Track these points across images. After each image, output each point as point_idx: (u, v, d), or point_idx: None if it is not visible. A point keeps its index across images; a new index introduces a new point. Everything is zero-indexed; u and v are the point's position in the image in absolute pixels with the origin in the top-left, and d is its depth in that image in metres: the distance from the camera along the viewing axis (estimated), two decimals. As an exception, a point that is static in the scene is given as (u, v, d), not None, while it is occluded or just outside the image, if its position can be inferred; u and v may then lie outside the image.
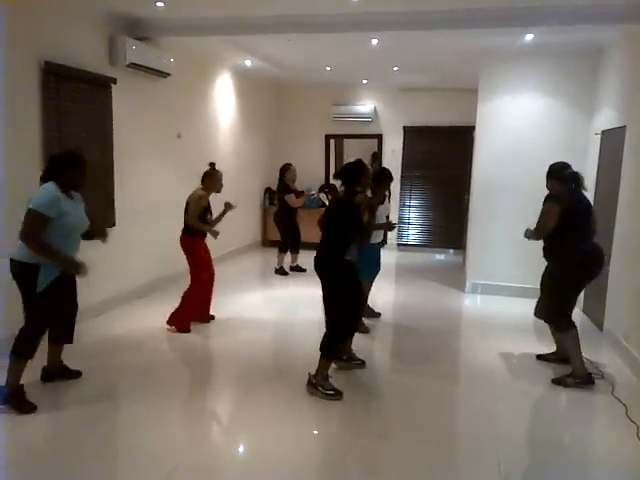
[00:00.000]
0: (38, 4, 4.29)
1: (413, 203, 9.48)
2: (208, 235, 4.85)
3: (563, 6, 4.52)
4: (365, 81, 8.94)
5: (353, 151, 9.36)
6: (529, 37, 5.34)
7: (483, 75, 6.38)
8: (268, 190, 9.38)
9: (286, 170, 7.28)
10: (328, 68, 7.68)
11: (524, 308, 5.12)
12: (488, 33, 5.32)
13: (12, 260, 3.33)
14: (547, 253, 4.06)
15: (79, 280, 3.63)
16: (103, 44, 5.07)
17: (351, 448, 3.10)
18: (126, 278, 5.61)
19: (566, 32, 5.16)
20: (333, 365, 3.85)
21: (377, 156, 9.40)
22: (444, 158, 9.16)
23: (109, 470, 2.88)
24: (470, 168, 7.29)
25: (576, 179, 3.92)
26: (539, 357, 4.42)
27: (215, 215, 4.93)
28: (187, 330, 4.83)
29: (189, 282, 4.91)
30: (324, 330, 3.71)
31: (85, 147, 4.56)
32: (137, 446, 3.04)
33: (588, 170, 5.57)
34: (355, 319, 3.83)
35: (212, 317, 5.18)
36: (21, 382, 3.35)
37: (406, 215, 9.50)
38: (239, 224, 7.98)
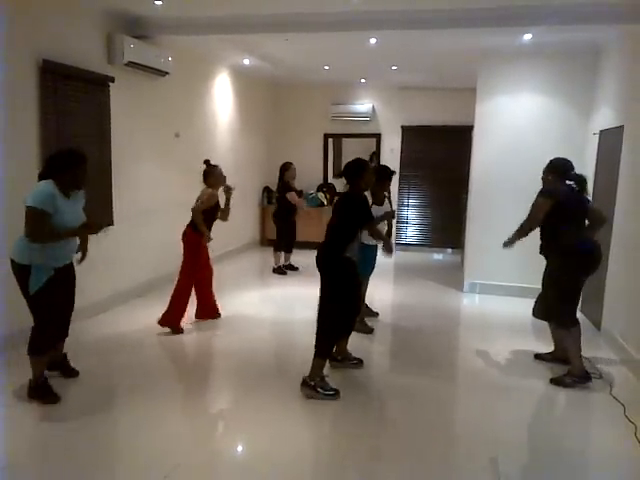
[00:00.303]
0: (36, 2, 4.27)
1: (411, 202, 9.48)
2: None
3: (561, 6, 4.53)
4: (363, 80, 8.93)
5: (351, 150, 9.35)
6: (527, 37, 5.35)
7: (481, 75, 6.38)
8: (266, 189, 9.37)
9: (286, 169, 7.27)
10: (326, 67, 7.67)
11: (522, 308, 5.13)
12: (487, 33, 5.33)
13: (11, 259, 3.33)
14: (544, 249, 4.07)
15: (79, 280, 3.64)
16: (101, 42, 5.05)
17: (349, 448, 3.10)
18: (124, 277, 5.60)
19: (564, 32, 5.17)
20: (328, 365, 3.84)
21: (375, 155, 9.40)
22: (442, 157, 9.18)
23: (107, 470, 2.87)
24: (468, 167, 7.29)
25: (580, 182, 3.93)
26: (537, 357, 4.43)
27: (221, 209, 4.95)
28: (178, 329, 4.79)
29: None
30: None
31: (83, 146, 4.51)
32: (134, 446, 3.04)
33: (586, 170, 5.56)
34: (351, 318, 3.83)
35: (219, 314, 5.22)
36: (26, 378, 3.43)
37: (404, 214, 9.50)
38: (237, 223, 7.96)
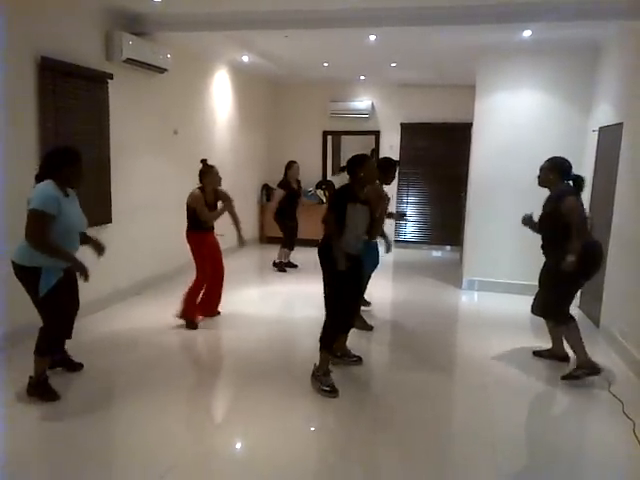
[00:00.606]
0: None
1: (410, 200, 9.48)
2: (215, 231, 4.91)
3: (561, 2, 4.51)
4: (363, 77, 8.92)
5: (350, 148, 9.35)
6: (527, 33, 5.34)
7: (481, 72, 6.37)
8: (265, 187, 9.36)
9: (289, 167, 7.27)
10: (326, 64, 7.65)
11: (520, 305, 5.14)
12: (486, 29, 5.32)
13: (13, 262, 3.31)
14: (548, 249, 4.05)
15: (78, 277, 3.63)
16: (100, 39, 5.04)
17: (348, 446, 3.10)
18: (123, 275, 5.59)
19: (564, 29, 5.16)
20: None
21: (375, 152, 9.39)
22: (441, 155, 9.17)
23: (107, 468, 2.87)
24: (467, 165, 7.28)
25: (579, 182, 3.95)
26: (535, 353, 4.44)
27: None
28: (193, 324, 4.85)
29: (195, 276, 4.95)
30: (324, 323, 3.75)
31: (81, 143, 4.53)
32: (134, 443, 3.04)
33: (585, 167, 5.58)
34: (348, 316, 3.83)
35: (218, 312, 5.23)
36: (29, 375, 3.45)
37: (403, 212, 9.50)
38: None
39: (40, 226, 3.15)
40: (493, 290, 6.41)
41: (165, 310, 5.14)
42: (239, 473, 2.83)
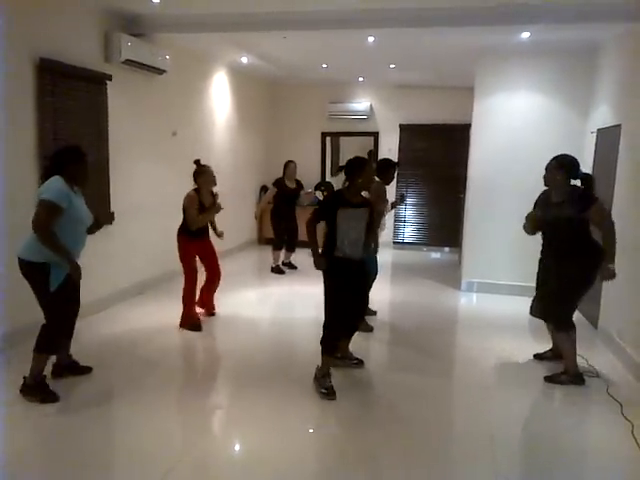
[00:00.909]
0: (33, 0, 4.25)
1: (409, 201, 9.47)
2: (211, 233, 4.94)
3: (559, 4, 4.53)
4: (361, 79, 8.92)
5: (349, 149, 9.36)
6: (525, 35, 5.35)
7: (479, 73, 6.38)
8: (264, 188, 9.35)
9: (285, 167, 7.26)
10: (324, 66, 7.66)
11: (519, 306, 5.14)
12: (485, 31, 5.32)
13: (20, 259, 3.31)
14: (559, 254, 3.84)
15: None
16: (98, 40, 5.04)
17: (347, 447, 3.10)
18: (123, 275, 5.59)
19: (562, 30, 5.17)
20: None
21: (373, 154, 9.40)
22: (440, 156, 9.18)
23: (107, 468, 2.87)
24: (466, 166, 7.29)
25: (588, 181, 3.79)
26: (536, 356, 4.41)
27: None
28: (197, 326, 4.85)
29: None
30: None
31: (80, 144, 4.51)
32: (134, 444, 3.04)
33: (583, 169, 5.56)
34: (346, 320, 3.78)
35: (213, 313, 5.23)
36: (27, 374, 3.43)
37: (402, 213, 9.50)
38: (234, 222, 7.95)
39: (49, 217, 3.20)
40: (492, 292, 6.41)
41: (165, 311, 5.14)
42: (238, 475, 2.82)
